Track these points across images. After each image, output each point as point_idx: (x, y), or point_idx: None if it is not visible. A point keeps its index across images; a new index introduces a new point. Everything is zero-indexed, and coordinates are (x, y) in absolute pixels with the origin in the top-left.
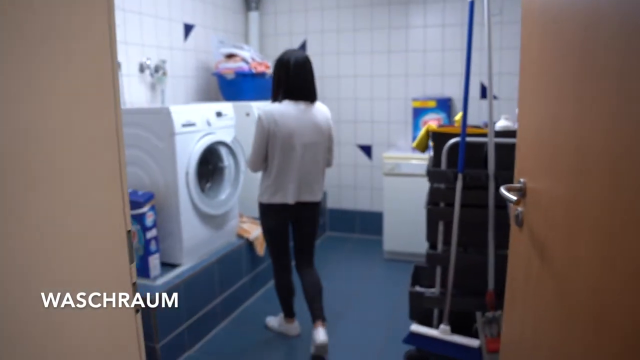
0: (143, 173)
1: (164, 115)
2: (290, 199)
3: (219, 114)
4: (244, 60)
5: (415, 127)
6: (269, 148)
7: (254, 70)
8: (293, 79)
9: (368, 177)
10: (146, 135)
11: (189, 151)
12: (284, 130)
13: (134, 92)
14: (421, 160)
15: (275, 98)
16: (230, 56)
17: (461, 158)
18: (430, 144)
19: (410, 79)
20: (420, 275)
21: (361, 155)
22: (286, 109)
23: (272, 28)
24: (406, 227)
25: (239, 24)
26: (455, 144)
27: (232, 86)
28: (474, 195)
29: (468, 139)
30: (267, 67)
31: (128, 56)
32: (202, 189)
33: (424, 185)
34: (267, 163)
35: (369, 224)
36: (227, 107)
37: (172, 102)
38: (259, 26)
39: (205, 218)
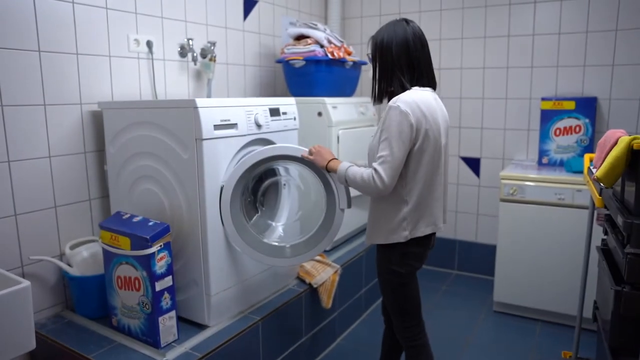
0: (162, 194)
1: (188, 112)
2: (440, 223)
3: (274, 112)
4: (318, 42)
5: (545, 136)
6: (411, 156)
7: (330, 56)
8: (422, 57)
9: (474, 199)
10: (164, 139)
11: (224, 164)
12: (435, 128)
13: (172, 81)
14: (560, 185)
15: (385, 91)
16: (299, 38)
17: None
18: None
19: (537, 72)
20: None
21: (466, 170)
22: (427, 98)
23: (357, 9)
24: (528, 273)
25: (316, 2)
26: None
27: (301, 77)
28: None
29: None
30: (348, 52)
31: (164, 34)
32: (249, 217)
33: (561, 218)
34: (403, 180)
35: (473, 259)
36: (287, 102)
37: (221, 96)
38: (341, 6)
39: (249, 260)
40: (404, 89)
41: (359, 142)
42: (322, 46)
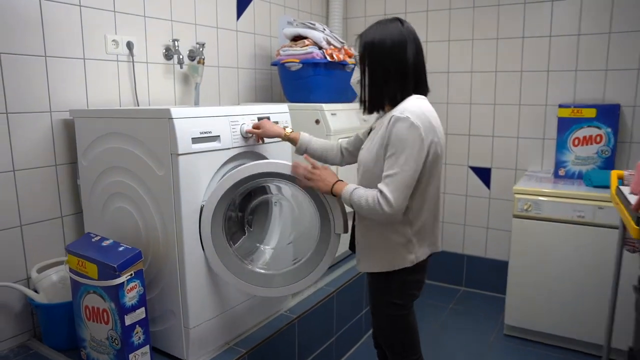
0: (136, 213)
1: (162, 124)
2: (439, 242)
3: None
4: (316, 43)
5: (562, 146)
6: (423, 173)
7: (329, 59)
8: (420, 61)
9: (483, 211)
10: (138, 154)
11: (204, 182)
12: (442, 142)
13: (156, 87)
14: (580, 201)
15: (379, 99)
16: (296, 39)
17: None
18: None
19: (554, 77)
20: None
21: (475, 181)
22: (431, 109)
23: (361, 8)
24: (543, 295)
25: (316, 1)
26: None
27: (298, 81)
28: None
29: None
30: (349, 54)
31: (147, 34)
32: (235, 239)
33: (581, 237)
34: (410, 200)
35: (482, 275)
36: (279, 109)
37: (212, 102)
38: (343, 5)
39: (232, 287)
40: (402, 98)
41: None
42: (320, 48)
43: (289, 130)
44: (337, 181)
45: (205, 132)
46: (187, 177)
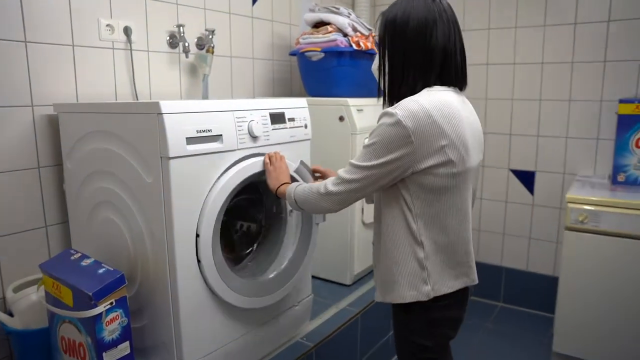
0: (124, 226)
1: (150, 120)
2: (474, 273)
3: (277, 118)
4: (340, 30)
5: (622, 148)
6: (418, 180)
7: (355, 47)
8: (449, 45)
9: (525, 219)
10: (125, 156)
11: (203, 190)
12: (459, 143)
13: (158, 78)
14: None
15: (398, 89)
16: (318, 25)
17: None
18: None
19: (612, 68)
20: None
21: (517, 185)
22: (449, 102)
23: None
24: (601, 321)
25: None
26: None
27: (319, 72)
28: None
29: None
30: None
31: (148, 19)
32: (238, 259)
33: None
34: (410, 212)
35: (523, 290)
36: (296, 104)
37: (224, 97)
38: None
39: (237, 312)
40: (415, 88)
41: None
42: (345, 35)
43: None
44: (284, 183)
45: (203, 131)
46: (181, 186)
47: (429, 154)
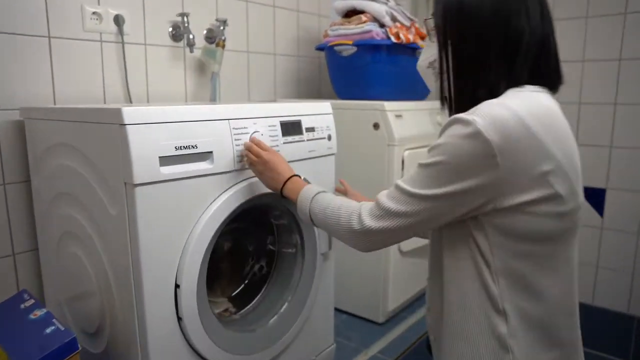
0: (89, 265)
1: (111, 133)
2: (579, 349)
3: (291, 128)
4: (376, 19)
5: None
6: (506, 218)
7: (394, 39)
8: (539, 34)
9: (592, 245)
10: (88, 178)
11: (183, 229)
12: (569, 167)
13: (159, 77)
14: None
15: (472, 90)
16: (350, 14)
17: None
18: None
19: None
20: None
21: (583, 204)
22: (548, 106)
23: None
24: None
25: None
26: None
27: (351, 70)
28: None
29: None
30: (421, 36)
31: (145, 6)
32: (241, 308)
33: None
34: (488, 266)
35: (589, 330)
36: (317, 110)
37: (240, 100)
38: None
39: None
40: (497, 90)
41: None
42: (382, 25)
43: None
44: (291, 176)
45: (185, 147)
46: (152, 222)
47: (524, 184)
